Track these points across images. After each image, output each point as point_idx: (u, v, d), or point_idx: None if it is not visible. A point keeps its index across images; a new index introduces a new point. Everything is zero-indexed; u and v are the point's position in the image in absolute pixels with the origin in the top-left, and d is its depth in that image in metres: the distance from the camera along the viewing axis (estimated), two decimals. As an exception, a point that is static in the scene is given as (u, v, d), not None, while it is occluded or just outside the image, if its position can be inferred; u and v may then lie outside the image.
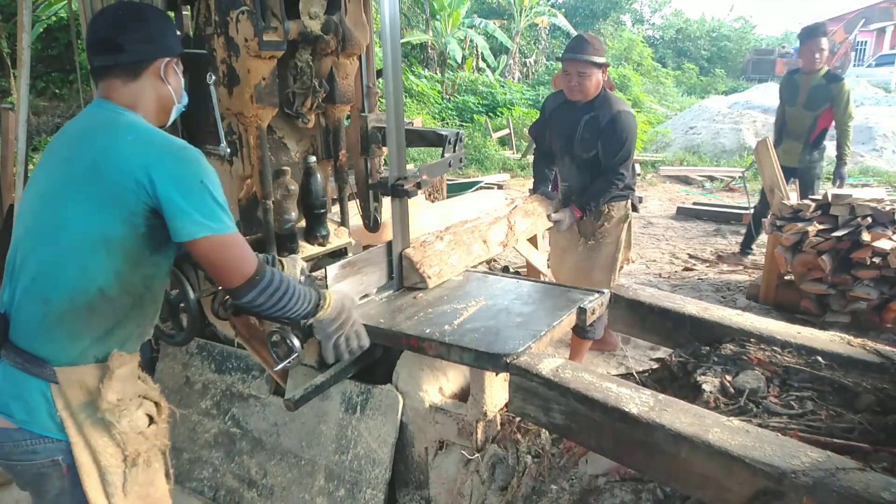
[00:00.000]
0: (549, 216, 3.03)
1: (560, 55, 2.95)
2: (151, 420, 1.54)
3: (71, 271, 1.39)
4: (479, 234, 2.62)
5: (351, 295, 1.82)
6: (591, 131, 2.89)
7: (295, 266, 1.97)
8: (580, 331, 3.03)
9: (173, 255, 1.55)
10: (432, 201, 5.33)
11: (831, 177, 5.10)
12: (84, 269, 1.39)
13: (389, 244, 2.32)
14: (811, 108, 4.85)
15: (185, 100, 1.64)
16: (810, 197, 4.47)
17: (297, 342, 1.84)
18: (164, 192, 1.36)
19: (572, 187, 3.09)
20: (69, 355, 1.43)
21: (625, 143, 2.90)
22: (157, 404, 1.57)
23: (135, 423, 1.48)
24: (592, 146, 2.91)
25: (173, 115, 1.61)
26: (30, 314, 1.42)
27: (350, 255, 2.35)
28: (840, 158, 4.88)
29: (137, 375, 1.54)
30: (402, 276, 2.31)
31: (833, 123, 4.86)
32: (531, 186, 3.37)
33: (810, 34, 4.80)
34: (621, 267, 3.23)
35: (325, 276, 2.06)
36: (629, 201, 3.13)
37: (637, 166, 3.20)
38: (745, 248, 5.71)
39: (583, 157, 2.95)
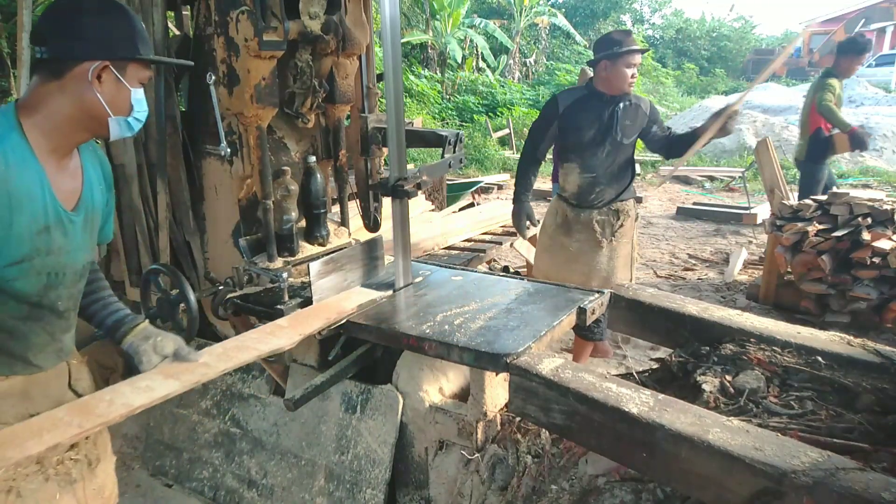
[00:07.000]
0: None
1: (613, 51, 2.91)
2: None
3: None
4: None
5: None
6: (632, 118, 3.05)
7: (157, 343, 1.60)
8: (585, 332, 3.06)
9: None
10: (432, 201, 5.32)
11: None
12: None
13: (370, 241, 2.33)
14: None
15: (141, 114, 1.38)
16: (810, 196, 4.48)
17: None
18: None
19: (599, 177, 3.09)
20: None
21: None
22: None
23: None
24: (634, 131, 3.10)
25: (116, 130, 1.34)
26: None
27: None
28: None
29: (26, 393, 1.40)
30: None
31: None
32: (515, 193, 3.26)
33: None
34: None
35: (309, 273, 2.06)
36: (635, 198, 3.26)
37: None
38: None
39: (623, 142, 3.09)
